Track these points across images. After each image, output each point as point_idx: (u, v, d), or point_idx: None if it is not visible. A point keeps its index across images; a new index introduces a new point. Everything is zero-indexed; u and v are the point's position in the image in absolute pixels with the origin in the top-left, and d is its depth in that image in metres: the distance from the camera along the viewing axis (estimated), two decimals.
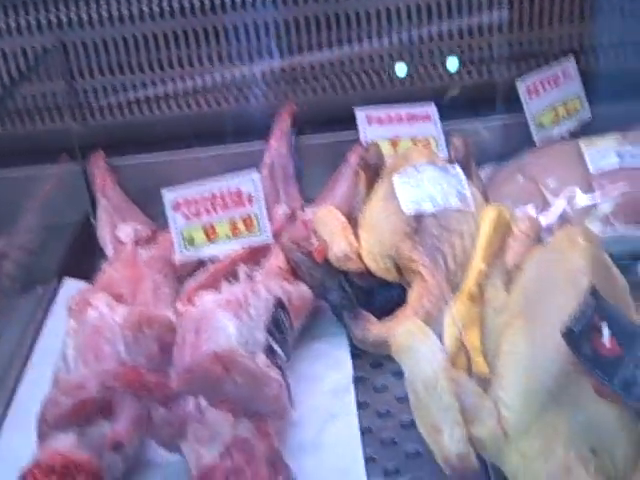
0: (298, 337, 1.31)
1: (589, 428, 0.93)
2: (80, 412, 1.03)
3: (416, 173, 1.30)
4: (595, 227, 1.36)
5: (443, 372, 0.97)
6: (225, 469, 0.95)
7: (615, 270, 1.15)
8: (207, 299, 1.20)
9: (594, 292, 0.96)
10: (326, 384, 1.23)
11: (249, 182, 1.37)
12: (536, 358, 0.96)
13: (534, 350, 0.97)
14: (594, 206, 1.38)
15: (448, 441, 0.94)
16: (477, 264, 1.09)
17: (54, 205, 1.66)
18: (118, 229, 1.55)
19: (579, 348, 0.92)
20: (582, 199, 1.38)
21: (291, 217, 1.51)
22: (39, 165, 1.69)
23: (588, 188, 1.40)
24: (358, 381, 1.24)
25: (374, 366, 1.26)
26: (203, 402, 1.06)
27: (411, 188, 1.28)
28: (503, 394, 0.96)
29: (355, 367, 1.26)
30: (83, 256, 1.58)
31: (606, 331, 0.94)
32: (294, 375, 1.23)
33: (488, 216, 1.13)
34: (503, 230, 1.13)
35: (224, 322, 1.14)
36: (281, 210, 1.51)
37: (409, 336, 1.00)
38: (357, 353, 1.28)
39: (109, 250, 1.54)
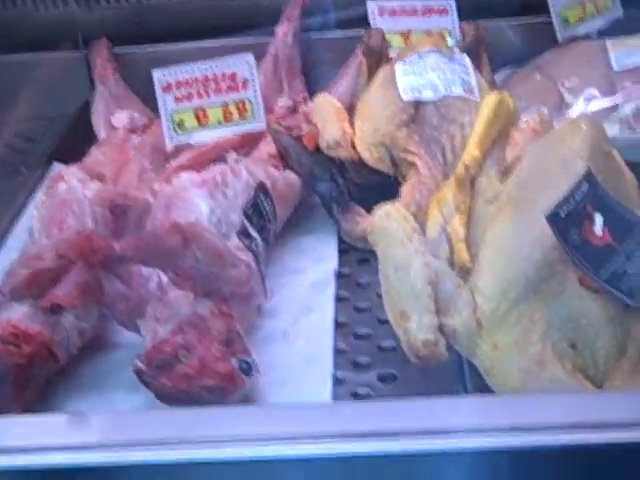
0: (286, 230, 1.24)
1: (570, 321, 0.84)
2: (34, 283, 0.97)
3: (419, 60, 1.21)
4: (614, 130, 1.26)
5: (417, 256, 0.88)
6: (175, 344, 0.89)
7: (622, 165, 1.05)
8: (184, 178, 1.13)
9: (589, 176, 0.86)
10: (307, 278, 1.16)
11: (244, 65, 1.29)
12: (518, 246, 0.87)
13: (517, 238, 0.88)
14: (615, 108, 1.27)
15: (415, 327, 0.86)
16: (471, 150, 0.99)
17: (55, 93, 1.61)
18: (113, 116, 1.48)
19: (565, 234, 0.83)
20: (602, 100, 1.28)
21: (293, 110, 1.42)
22: (40, 52, 1.63)
23: (610, 89, 1.29)
24: (342, 276, 1.17)
25: (360, 262, 1.19)
26: (165, 281, 1.00)
27: (412, 75, 1.19)
28: (481, 282, 0.88)
29: (341, 262, 1.19)
30: (78, 144, 1.51)
31: (599, 219, 0.85)
32: (276, 267, 1.18)
33: (488, 101, 1.02)
34: (505, 118, 1.02)
35: (197, 200, 1.08)
36: (282, 102, 1.43)
37: (385, 217, 0.91)
38: (345, 248, 1.22)
39: (102, 137, 1.47)
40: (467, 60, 1.22)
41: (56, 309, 0.90)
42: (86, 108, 1.58)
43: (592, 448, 0.68)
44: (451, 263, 0.95)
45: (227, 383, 0.88)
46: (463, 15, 1.45)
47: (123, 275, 0.95)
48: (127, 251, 0.86)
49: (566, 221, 0.84)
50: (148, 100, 1.50)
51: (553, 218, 0.83)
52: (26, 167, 1.47)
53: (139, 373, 0.86)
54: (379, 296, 1.07)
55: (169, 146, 1.31)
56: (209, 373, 0.87)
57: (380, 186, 1.21)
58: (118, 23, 1.67)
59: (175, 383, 0.85)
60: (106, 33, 1.64)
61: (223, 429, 0.73)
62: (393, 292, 0.89)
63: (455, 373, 0.94)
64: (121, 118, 1.46)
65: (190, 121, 1.30)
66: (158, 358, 0.87)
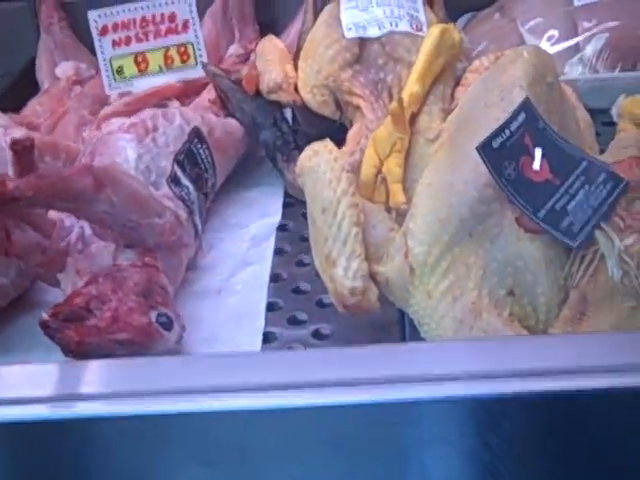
0: (231, 185, 1.18)
1: (507, 266, 0.77)
2: None
3: None
4: (576, 71, 1.19)
5: (345, 197, 0.81)
6: (87, 295, 0.82)
7: (577, 104, 0.99)
8: (113, 123, 1.06)
9: (527, 106, 0.79)
10: (248, 232, 1.10)
11: (184, 5, 1.21)
12: (452, 183, 0.80)
13: (452, 175, 0.81)
14: (577, 49, 1.20)
15: (342, 274, 0.79)
16: (410, 85, 0.93)
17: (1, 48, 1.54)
18: (58, 67, 1.41)
19: (499, 167, 0.76)
20: (564, 40, 1.20)
21: (244, 58, 1.35)
22: None
23: (571, 28, 1.22)
24: (284, 230, 1.10)
25: (305, 216, 1.11)
26: (88, 232, 0.93)
27: (357, 11, 1.11)
28: (413, 225, 0.81)
29: (285, 216, 1.12)
30: (22, 96, 1.44)
31: (538, 153, 0.78)
32: (218, 222, 1.12)
33: (431, 33, 0.96)
34: (448, 51, 0.96)
35: (123, 145, 1.00)
36: (232, 49, 1.36)
37: (312, 156, 0.84)
38: (290, 202, 1.15)
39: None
40: None
41: None
42: (32, 63, 1.51)
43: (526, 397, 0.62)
44: (388, 207, 0.89)
45: (142, 337, 0.81)
46: None
47: (35, 222, 0.89)
48: (25, 191, 0.78)
49: (500, 153, 0.77)
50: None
51: (485, 149, 0.76)
52: None
53: (44, 326, 0.79)
54: None
55: (108, 93, 1.24)
56: (122, 326, 0.80)
57: (326, 132, 1.14)
58: None
59: (83, 336, 0.79)
60: None
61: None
62: (319, 236, 0.82)
63: (394, 328, 0.88)
64: (65, 69, 1.40)
65: (130, 67, 1.23)
66: (66, 310, 0.81)
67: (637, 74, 1.18)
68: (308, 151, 0.86)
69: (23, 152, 0.82)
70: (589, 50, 1.19)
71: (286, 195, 1.16)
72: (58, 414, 0.67)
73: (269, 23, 1.48)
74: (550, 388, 0.60)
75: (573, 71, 1.18)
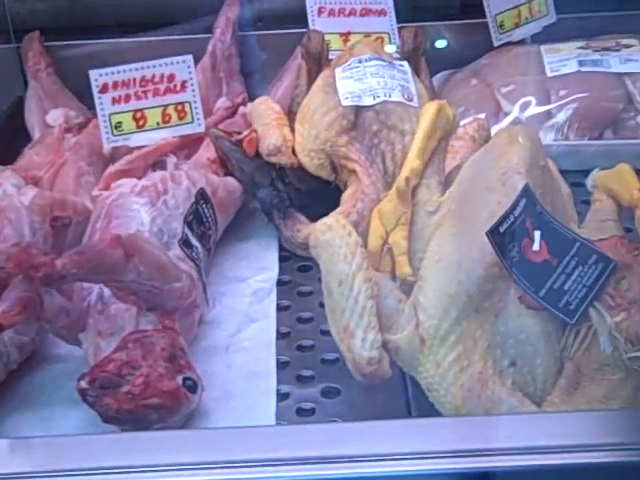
0: (227, 237, 1.24)
1: (510, 339, 0.86)
2: None
3: (359, 65, 1.21)
4: (548, 137, 1.29)
5: (360, 271, 0.88)
6: (119, 361, 0.88)
7: (558, 175, 1.08)
8: (123, 185, 1.11)
9: (527, 192, 0.88)
10: (249, 286, 1.16)
11: (183, 67, 1.28)
12: (460, 261, 0.88)
13: (459, 253, 0.89)
14: (549, 115, 1.30)
15: (360, 345, 0.86)
16: (411, 161, 1.00)
17: None
18: (48, 114, 1.45)
19: (504, 250, 0.85)
20: (537, 107, 1.30)
21: (232, 111, 1.41)
22: None
23: (544, 95, 1.31)
24: (283, 284, 1.17)
25: (302, 270, 1.19)
26: (107, 293, 0.99)
27: (352, 81, 1.19)
28: (423, 298, 0.89)
29: (282, 270, 1.19)
30: (9, 143, 1.48)
31: (537, 235, 0.87)
32: (218, 275, 1.18)
33: (428, 111, 1.03)
34: (444, 127, 1.03)
35: (137, 209, 1.06)
36: (221, 103, 1.42)
37: (327, 230, 0.91)
38: (286, 256, 1.22)
39: (36, 135, 1.44)
40: (407, 67, 1.23)
41: None
42: (18, 105, 1.54)
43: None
44: (393, 276, 0.97)
45: (172, 402, 0.87)
46: (401, 16, 1.46)
47: (64, 289, 0.94)
48: (69, 269, 0.84)
49: (505, 237, 0.86)
50: (84, 97, 1.48)
51: (493, 234, 0.85)
52: None
53: (83, 393, 0.85)
54: (321, 305, 1.08)
55: (106, 148, 1.29)
56: (154, 392, 0.86)
57: (321, 192, 1.22)
58: (51, 16, 1.63)
59: (120, 403, 0.84)
60: (39, 26, 1.59)
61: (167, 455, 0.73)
62: (337, 307, 0.89)
63: (398, 387, 0.95)
64: (56, 116, 1.43)
65: (128, 123, 1.28)
66: (102, 377, 0.86)
67: (604, 142, 1.28)
68: (322, 225, 0.93)
69: (63, 228, 0.87)
70: (560, 118, 1.29)
71: (281, 249, 1.23)
72: None
73: (251, 74, 1.56)
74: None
75: (546, 137, 1.27)
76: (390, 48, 1.32)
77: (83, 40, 1.60)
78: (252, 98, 1.46)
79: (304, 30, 1.42)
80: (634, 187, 1.01)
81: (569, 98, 1.30)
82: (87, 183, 1.26)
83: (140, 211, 1.06)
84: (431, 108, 1.04)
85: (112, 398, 0.85)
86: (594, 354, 0.85)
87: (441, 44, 1.53)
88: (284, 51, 1.50)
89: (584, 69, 1.32)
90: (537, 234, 0.87)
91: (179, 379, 0.90)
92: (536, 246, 0.87)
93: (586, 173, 1.17)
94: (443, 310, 0.87)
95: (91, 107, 1.41)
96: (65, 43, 1.60)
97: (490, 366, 0.86)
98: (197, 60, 1.45)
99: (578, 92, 1.30)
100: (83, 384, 0.85)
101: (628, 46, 1.35)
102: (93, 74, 1.27)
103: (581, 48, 1.36)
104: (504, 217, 0.86)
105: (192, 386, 0.90)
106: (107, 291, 0.98)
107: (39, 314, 0.92)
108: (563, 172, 1.13)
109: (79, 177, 1.27)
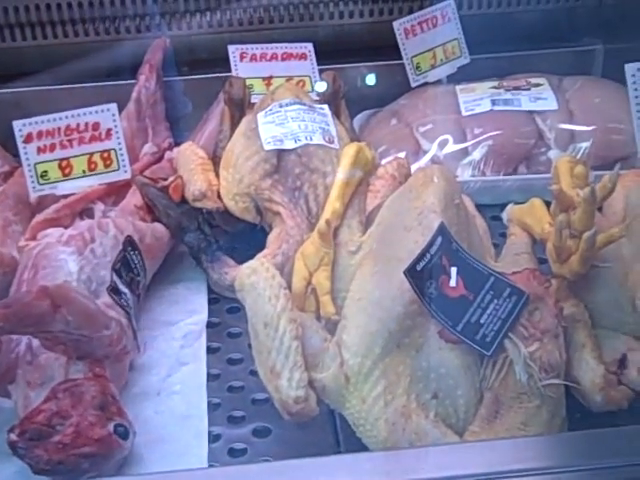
0: (156, 281, 1.25)
1: (431, 373, 0.89)
2: None
3: (280, 110, 1.24)
4: (466, 174, 1.34)
5: (284, 313, 0.91)
6: (49, 412, 0.89)
7: (475, 213, 1.13)
8: (50, 234, 1.12)
9: (442, 231, 0.92)
10: (179, 329, 1.18)
11: (108, 115, 1.29)
12: (380, 300, 0.92)
13: (379, 291, 0.93)
14: (466, 152, 1.35)
15: (286, 385, 0.89)
16: (332, 202, 1.03)
17: None
18: None
19: (422, 288, 0.88)
20: (454, 145, 1.35)
21: (158, 156, 1.43)
22: None
23: (461, 134, 1.37)
24: (213, 326, 1.19)
25: (231, 312, 1.21)
26: (36, 343, 0.99)
27: (274, 125, 1.22)
28: (346, 337, 0.92)
29: (212, 312, 1.21)
30: None
31: (453, 272, 0.91)
32: (148, 320, 1.19)
33: (347, 153, 1.07)
34: (363, 168, 1.07)
35: (64, 258, 1.07)
36: (147, 148, 1.43)
37: (251, 274, 0.94)
38: (215, 298, 1.24)
39: None
40: (327, 110, 1.27)
41: None
42: None
43: None
44: (318, 316, 1.00)
45: (104, 449, 0.88)
46: (321, 59, 1.50)
47: None
48: None
49: (423, 275, 0.89)
50: (9, 146, 1.48)
51: (411, 272, 0.88)
52: None
53: (13, 445, 0.86)
54: (250, 346, 1.10)
55: (32, 197, 1.30)
56: (85, 440, 0.87)
57: (247, 234, 1.24)
58: None
59: (51, 454, 0.85)
60: None
61: None
62: (263, 349, 0.91)
63: (327, 424, 0.98)
64: None
65: (54, 172, 1.29)
66: (32, 428, 0.87)
67: (518, 177, 1.34)
68: (246, 269, 0.95)
69: None
70: (477, 155, 1.34)
71: (210, 291, 1.24)
72: None
73: (175, 119, 1.58)
74: None
75: (464, 173, 1.32)
76: (320, 86, 1.35)
77: (7, 88, 1.61)
78: (177, 142, 1.49)
79: (227, 74, 1.46)
80: (545, 221, 1.06)
81: (484, 136, 1.35)
82: (14, 232, 1.26)
83: (67, 260, 1.07)
84: (350, 150, 1.07)
85: (43, 449, 0.85)
86: (511, 383, 0.89)
87: (361, 85, 1.58)
88: (209, 95, 1.52)
89: (497, 108, 1.38)
90: (453, 270, 0.91)
91: (110, 426, 0.91)
92: (453, 282, 0.91)
93: (502, 207, 1.22)
94: (366, 347, 0.90)
95: (16, 155, 1.42)
96: None
97: (413, 399, 0.89)
98: (122, 106, 1.47)
99: (492, 130, 1.36)
100: (13, 436, 0.86)
101: (537, 85, 1.42)
102: (17, 124, 1.27)
103: (494, 87, 1.42)
104: (421, 255, 0.90)
105: (124, 432, 0.92)
106: (36, 341, 0.99)
107: None
108: (481, 207, 1.18)
109: (5, 227, 1.26)
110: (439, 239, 0.91)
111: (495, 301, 0.90)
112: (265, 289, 0.93)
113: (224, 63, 1.50)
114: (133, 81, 1.54)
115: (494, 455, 0.78)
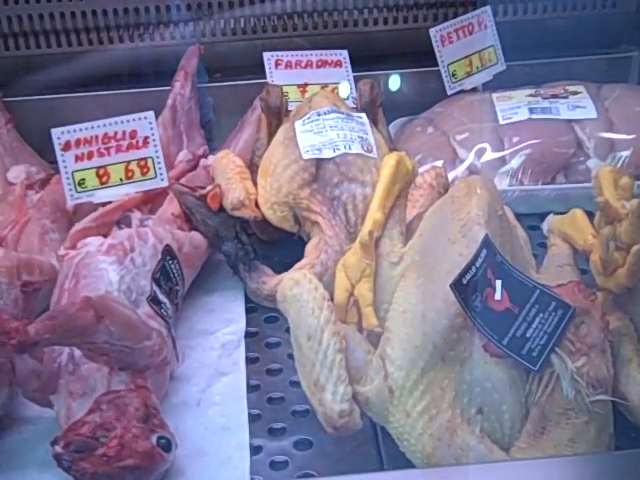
0: (193, 290, 1.25)
1: (476, 387, 0.88)
2: None
3: (319, 118, 1.24)
4: (503, 183, 1.33)
5: (328, 325, 0.91)
6: (92, 424, 0.89)
7: (515, 223, 1.11)
8: (90, 243, 1.12)
9: (487, 243, 0.91)
10: (217, 339, 1.17)
11: (145, 123, 1.29)
12: (425, 313, 0.91)
13: (424, 304, 0.92)
14: (503, 161, 1.34)
15: (330, 398, 0.88)
16: (373, 213, 1.03)
17: None
18: (9, 171, 1.46)
19: (468, 301, 0.88)
20: (491, 154, 1.34)
21: (193, 164, 1.43)
22: None
23: (498, 142, 1.36)
24: (251, 336, 1.18)
25: (269, 321, 1.21)
26: (78, 353, 0.99)
27: (312, 134, 1.22)
28: (390, 350, 0.92)
29: (249, 322, 1.21)
30: None
31: (498, 285, 0.90)
32: (185, 329, 1.19)
33: (388, 163, 1.06)
34: (404, 179, 1.06)
35: (105, 268, 1.07)
36: (182, 156, 1.44)
37: (294, 285, 0.93)
38: (252, 307, 1.23)
39: None
40: (365, 119, 1.26)
41: None
42: None
43: None
44: (360, 328, 0.99)
45: (147, 462, 0.88)
46: (356, 66, 1.50)
47: (35, 353, 0.95)
48: (41, 334, 0.85)
49: (468, 288, 0.89)
50: (44, 152, 1.49)
51: (457, 286, 0.88)
52: None
53: (58, 457, 0.86)
54: (289, 357, 1.11)
55: (70, 205, 1.30)
56: (129, 453, 0.87)
57: (285, 244, 1.24)
58: (9, 71, 1.63)
59: (96, 466, 0.85)
60: None
61: None
62: (306, 362, 0.91)
63: (369, 438, 0.97)
64: (17, 173, 1.43)
65: (91, 180, 1.29)
66: (76, 440, 0.87)
67: (557, 187, 1.33)
68: (288, 280, 0.95)
69: (32, 293, 0.88)
70: (514, 164, 1.33)
71: (247, 300, 1.24)
72: None
73: (210, 126, 1.58)
74: None
75: (501, 182, 1.32)
76: (348, 101, 1.35)
77: (42, 95, 1.62)
78: (211, 149, 1.49)
79: (261, 81, 1.46)
80: (587, 232, 1.05)
81: (522, 145, 1.34)
82: (52, 240, 1.26)
83: (108, 270, 1.07)
84: (391, 160, 1.07)
85: (87, 462, 0.85)
86: (558, 399, 0.87)
87: (394, 92, 1.57)
88: (243, 102, 1.52)
89: (535, 116, 1.37)
90: (498, 284, 0.90)
91: (153, 439, 0.91)
92: (498, 295, 0.90)
93: (541, 216, 1.22)
94: (410, 361, 0.90)
95: (52, 162, 1.43)
96: (25, 98, 1.61)
97: (458, 414, 0.88)
98: (157, 113, 1.47)
99: (530, 139, 1.35)
100: (58, 449, 0.86)
101: (575, 93, 1.40)
102: (55, 132, 1.28)
103: (531, 95, 1.41)
104: (466, 269, 0.89)
105: (166, 445, 0.91)
106: (78, 352, 0.99)
107: (11, 379, 0.92)
108: (519, 216, 1.17)
109: (43, 235, 1.27)
110: (484, 252, 0.91)
111: (541, 315, 0.89)
112: (308, 301, 0.92)
113: (256, 69, 1.51)
114: (166, 88, 1.55)
115: (542, 474, 0.77)
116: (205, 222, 1.23)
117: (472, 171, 1.33)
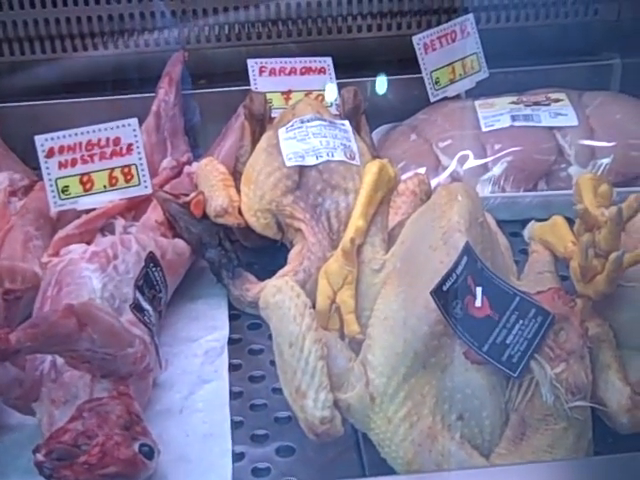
0: (176, 297, 1.25)
1: (457, 393, 0.89)
2: None
3: (302, 126, 1.24)
4: (486, 190, 1.34)
5: (310, 332, 0.91)
6: (74, 432, 0.89)
7: (497, 230, 1.12)
8: (73, 251, 1.13)
9: (468, 251, 0.92)
10: (200, 346, 1.17)
11: (129, 130, 1.30)
12: (406, 319, 0.92)
13: (405, 311, 0.92)
14: (485, 168, 1.35)
15: (312, 405, 0.89)
16: (355, 220, 1.03)
17: None
18: None
19: (449, 308, 0.88)
20: (474, 161, 1.35)
21: (177, 171, 1.44)
22: None
23: (481, 149, 1.37)
24: (234, 343, 1.18)
25: (252, 328, 1.21)
26: (60, 361, 0.99)
27: (296, 141, 1.22)
28: (372, 357, 0.92)
29: (232, 328, 1.21)
30: None
31: (479, 291, 0.91)
32: (168, 336, 1.19)
33: (370, 170, 1.07)
34: (386, 186, 1.07)
35: (88, 275, 1.08)
36: (166, 163, 1.44)
37: (276, 292, 0.94)
38: (236, 314, 1.24)
39: None
40: (348, 126, 1.27)
41: None
42: None
43: None
44: (342, 334, 1.00)
45: (130, 469, 0.88)
46: (340, 72, 1.50)
47: (17, 361, 0.95)
48: (23, 342, 0.85)
49: (449, 295, 0.89)
50: (28, 159, 1.49)
51: (437, 293, 0.88)
52: None
53: (39, 465, 0.85)
54: (272, 363, 1.10)
55: (53, 212, 1.30)
56: (111, 461, 0.87)
57: (268, 251, 1.24)
58: None
59: (77, 474, 0.85)
60: None
61: None
62: (288, 369, 0.91)
63: (351, 444, 0.98)
64: (0, 179, 1.43)
65: (75, 187, 1.29)
66: (58, 448, 0.87)
67: (538, 193, 1.34)
68: (271, 287, 0.96)
69: (14, 301, 0.88)
70: (497, 171, 1.34)
71: (230, 307, 1.24)
72: None
73: (194, 133, 1.59)
74: None
75: (484, 189, 1.32)
76: (331, 108, 1.36)
77: (26, 101, 1.61)
78: (196, 156, 1.50)
79: (245, 87, 1.47)
80: (568, 239, 1.06)
81: (504, 152, 1.35)
82: (35, 248, 1.26)
83: (91, 277, 1.07)
84: (373, 168, 1.07)
85: (69, 470, 0.85)
86: (537, 405, 0.88)
87: (378, 99, 1.58)
88: (226, 109, 1.53)
89: (517, 124, 1.38)
90: (479, 291, 0.91)
91: (135, 446, 0.91)
92: (478, 302, 0.90)
93: (523, 223, 1.23)
94: (391, 368, 0.90)
95: (35, 169, 1.42)
96: (8, 105, 1.61)
97: (439, 421, 0.89)
98: (141, 120, 1.47)
99: (512, 146, 1.36)
100: (39, 456, 0.86)
101: (557, 100, 1.42)
102: (39, 139, 1.28)
103: (513, 103, 1.42)
104: (447, 276, 0.89)
105: (149, 452, 0.91)
106: (60, 359, 0.99)
107: None
108: (501, 223, 1.18)
109: (27, 242, 1.27)
110: (464, 259, 0.91)
111: (521, 321, 0.90)
112: (290, 308, 0.93)
113: (241, 76, 1.51)
114: (150, 94, 1.55)
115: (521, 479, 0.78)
116: (188, 229, 1.23)
117: (454, 178, 1.34)
